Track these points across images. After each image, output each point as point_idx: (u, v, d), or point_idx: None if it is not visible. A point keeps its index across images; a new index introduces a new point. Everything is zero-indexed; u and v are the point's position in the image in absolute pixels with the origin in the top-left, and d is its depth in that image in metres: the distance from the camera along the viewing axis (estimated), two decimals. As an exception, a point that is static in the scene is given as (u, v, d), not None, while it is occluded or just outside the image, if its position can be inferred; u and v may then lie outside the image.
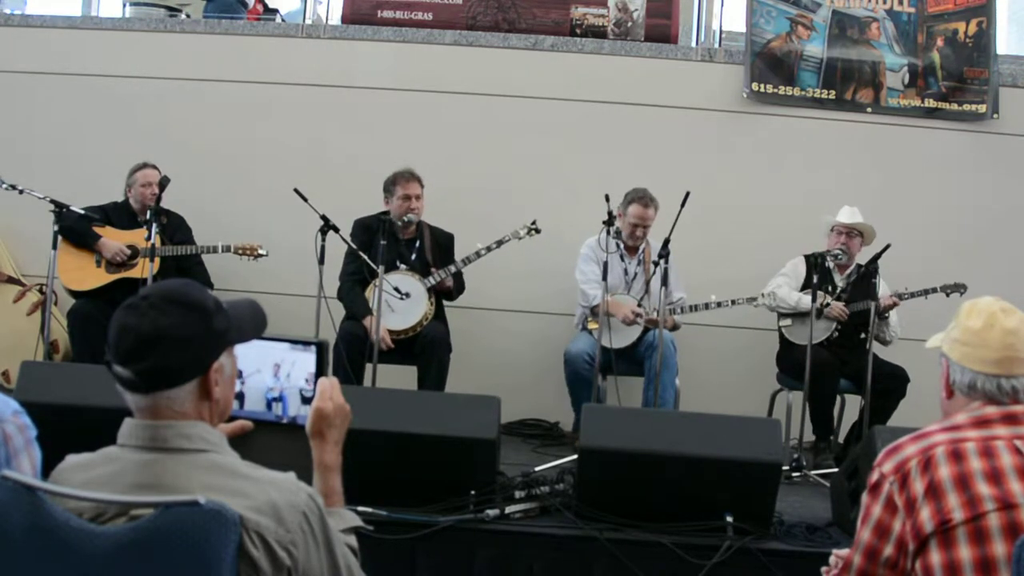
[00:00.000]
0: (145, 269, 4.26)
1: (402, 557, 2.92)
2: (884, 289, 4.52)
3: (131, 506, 1.40)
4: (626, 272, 4.64)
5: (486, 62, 5.21)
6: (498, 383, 4.10)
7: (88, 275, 4.59)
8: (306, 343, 1.98)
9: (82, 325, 4.44)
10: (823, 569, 1.88)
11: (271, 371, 1.97)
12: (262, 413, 1.97)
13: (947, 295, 4.48)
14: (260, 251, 4.64)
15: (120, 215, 4.71)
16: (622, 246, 4.56)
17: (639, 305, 4.47)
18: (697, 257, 4.73)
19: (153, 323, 1.43)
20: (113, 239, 4.62)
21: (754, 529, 2.99)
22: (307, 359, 1.97)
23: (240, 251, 4.64)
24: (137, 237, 4.59)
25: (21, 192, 4.29)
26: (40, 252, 4.54)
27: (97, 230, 4.59)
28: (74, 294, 4.61)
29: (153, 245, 4.20)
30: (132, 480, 1.43)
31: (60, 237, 4.30)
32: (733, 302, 4.47)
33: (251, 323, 1.60)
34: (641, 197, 4.53)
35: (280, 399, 1.99)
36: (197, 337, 1.46)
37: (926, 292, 4.45)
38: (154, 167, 4.67)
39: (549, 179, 5.11)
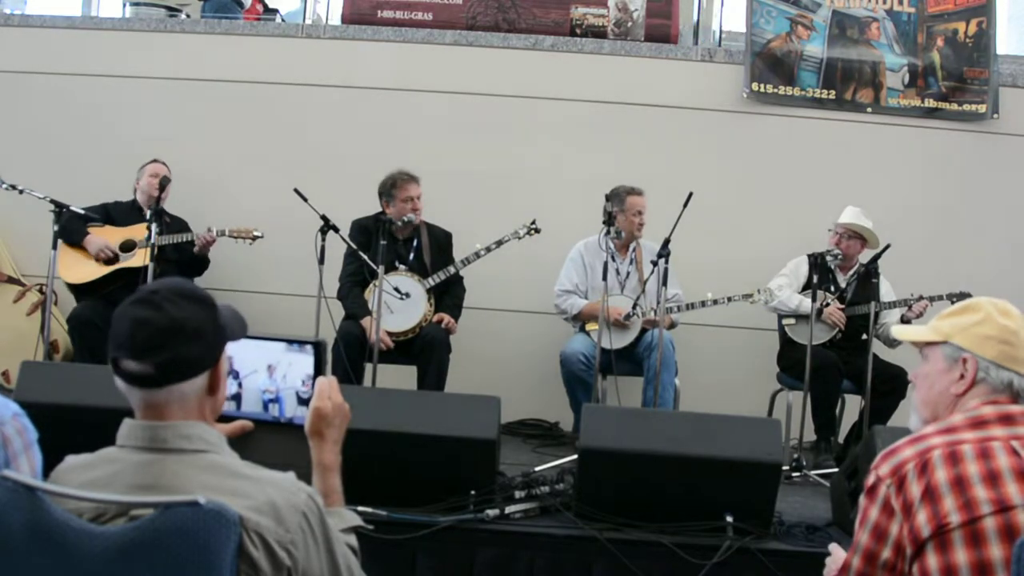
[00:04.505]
0: (145, 257, 4.26)
1: (402, 557, 2.92)
2: (886, 290, 4.53)
3: (131, 506, 1.40)
4: (618, 272, 4.63)
5: (486, 62, 5.21)
6: (498, 383, 4.09)
7: (85, 268, 4.58)
8: (303, 343, 1.98)
9: (82, 329, 4.41)
10: (828, 560, 1.89)
11: (267, 372, 1.97)
12: (259, 414, 1.98)
13: (952, 303, 4.48)
14: (256, 233, 4.58)
15: (123, 211, 4.71)
16: (613, 246, 4.54)
17: (635, 305, 4.46)
18: (695, 257, 4.71)
19: (169, 315, 1.43)
20: (111, 235, 4.61)
21: (754, 529, 2.99)
22: (303, 360, 1.97)
23: (235, 235, 4.58)
24: (137, 231, 4.59)
25: (21, 192, 4.30)
26: (40, 252, 4.54)
27: (94, 230, 4.59)
28: (73, 288, 4.60)
29: (150, 237, 4.21)
30: (132, 480, 1.43)
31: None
32: (729, 299, 4.47)
33: (236, 323, 1.61)
34: (632, 188, 4.56)
35: (276, 400, 1.99)
36: (208, 329, 1.48)
37: (932, 299, 4.45)
38: (164, 164, 4.72)
39: (549, 179, 5.11)
